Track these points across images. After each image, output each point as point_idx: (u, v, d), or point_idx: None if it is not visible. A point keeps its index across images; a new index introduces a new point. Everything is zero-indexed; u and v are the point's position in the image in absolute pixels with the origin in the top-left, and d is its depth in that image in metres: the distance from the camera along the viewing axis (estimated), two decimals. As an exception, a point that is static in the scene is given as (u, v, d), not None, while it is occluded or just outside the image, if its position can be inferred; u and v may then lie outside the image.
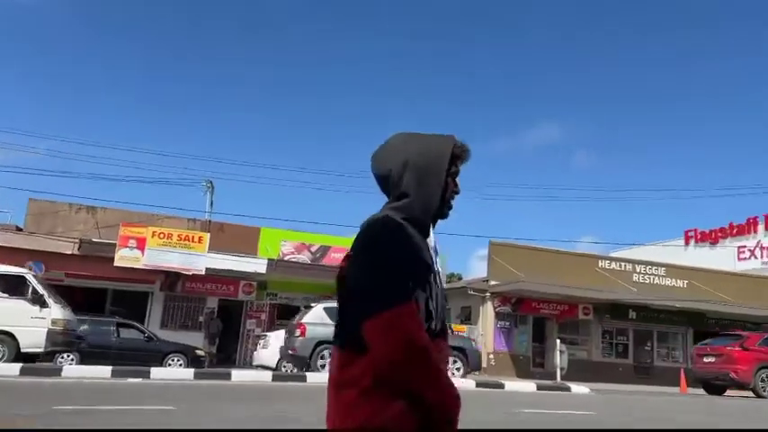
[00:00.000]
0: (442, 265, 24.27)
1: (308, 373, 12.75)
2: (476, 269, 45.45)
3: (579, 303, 22.76)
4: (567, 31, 74.13)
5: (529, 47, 74.20)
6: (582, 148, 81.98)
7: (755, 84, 66.77)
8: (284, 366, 14.89)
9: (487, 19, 77.31)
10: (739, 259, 29.67)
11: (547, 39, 74.16)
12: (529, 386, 14.63)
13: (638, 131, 73.16)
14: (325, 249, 21.89)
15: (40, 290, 11.97)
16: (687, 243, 33.03)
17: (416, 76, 77.73)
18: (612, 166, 74.92)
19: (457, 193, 1.60)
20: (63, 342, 12.28)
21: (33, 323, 11.64)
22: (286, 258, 21.10)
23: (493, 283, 22.16)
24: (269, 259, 19.93)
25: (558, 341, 17.27)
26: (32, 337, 11.62)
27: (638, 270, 24.96)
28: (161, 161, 77.33)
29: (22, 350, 11.60)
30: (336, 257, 21.54)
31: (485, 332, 21.93)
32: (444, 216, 1.60)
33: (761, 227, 29.64)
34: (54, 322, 11.82)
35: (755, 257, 28.99)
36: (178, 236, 18.95)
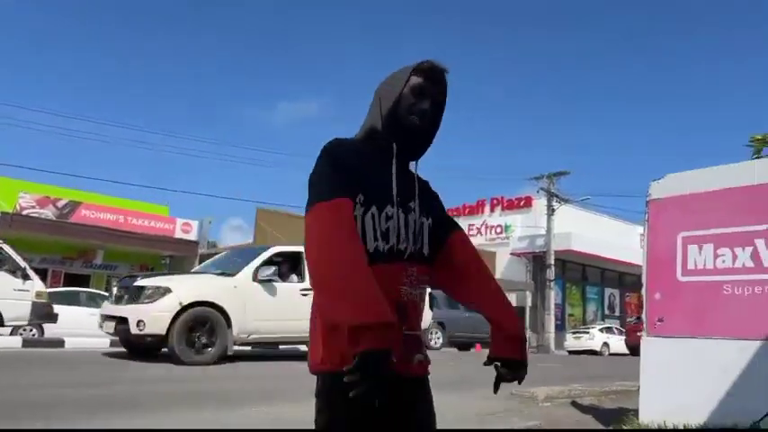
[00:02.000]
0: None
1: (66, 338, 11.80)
2: (228, 239, 44.86)
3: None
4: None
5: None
6: (339, 122, 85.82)
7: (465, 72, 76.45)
8: (21, 333, 13.22)
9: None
10: (469, 235, 34.10)
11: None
12: None
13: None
14: (74, 205, 19.77)
15: (21, 262, 11.42)
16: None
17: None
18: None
19: (421, 108, 1.56)
20: (46, 314, 12.02)
21: (17, 296, 11.24)
22: (25, 213, 18.57)
23: (258, 249, 22.26)
24: (2, 213, 17.38)
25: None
26: (17, 309, 11.26)
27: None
28: None
29: (6, 323, 11.28)
30: (88, 215, 19.60)
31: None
32: (412, 131, 1.56)
33: (487, 207, 34.42)
34: (38, 295, 11.62)
35: (481, 234, 33.54)
36: None
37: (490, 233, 33.49)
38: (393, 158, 1.57)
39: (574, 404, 6.41)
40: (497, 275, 30.98)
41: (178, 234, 21.32)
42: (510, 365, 1.62)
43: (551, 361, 16.74)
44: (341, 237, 1.37)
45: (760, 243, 4.51)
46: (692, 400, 4.58)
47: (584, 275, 34.95)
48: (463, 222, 34.82)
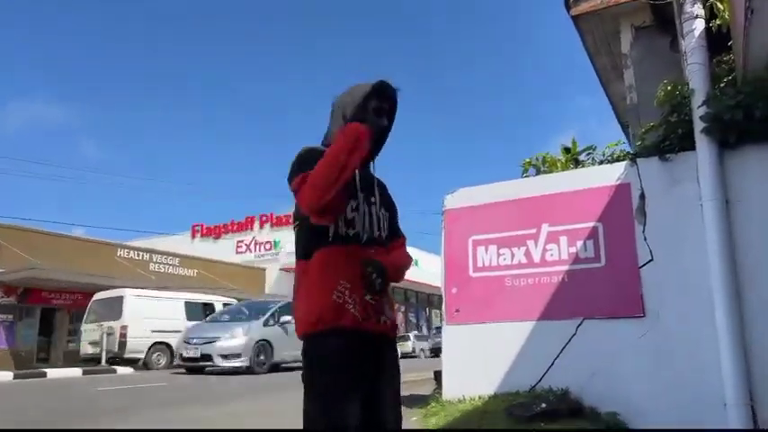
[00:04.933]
0: None
1: None
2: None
3: (96, 292, 22.05)
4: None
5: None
6: (87, 133, 78.14)
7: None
8: None
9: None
10: (237, 252, 33.82)
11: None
12: (75, 371, 14.13)
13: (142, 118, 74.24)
14: None
15: None
16: (194, 236, 35.62)
17: None
18: (120, 154, 73.84)
19: (381, 127, 1.94)
20: None
21: None
22: None
23: (-2, 270, 19.41)
24: None
25: (105, 324, 16.74)
26: None
27: (154, 259, 25.80)
28: None
29: None
30: None
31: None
32: (378, 140, 1.96)
33: (257, 224, 34.52)
34: None
35: (251, 251, 33.49)
36: None
37: (260, 249, 33.61)
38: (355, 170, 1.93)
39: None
40: (267, 290, 31.29)
41: None
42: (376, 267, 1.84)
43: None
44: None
45: (530, 243, 5.65)
46: (484, 376, 5.51)
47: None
48: (232, 239, 34.48)
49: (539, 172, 5.99)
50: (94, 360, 16.62)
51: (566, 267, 5.43)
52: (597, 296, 5.22)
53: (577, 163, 6.00)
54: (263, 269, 31.63)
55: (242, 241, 34.07)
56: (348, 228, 1.87)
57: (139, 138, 75.94)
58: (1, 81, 63.44)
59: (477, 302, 5.78)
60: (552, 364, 5.23)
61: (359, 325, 1.80)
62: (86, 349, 17.16)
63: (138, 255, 25.25)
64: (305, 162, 1.84)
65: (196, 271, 27.28)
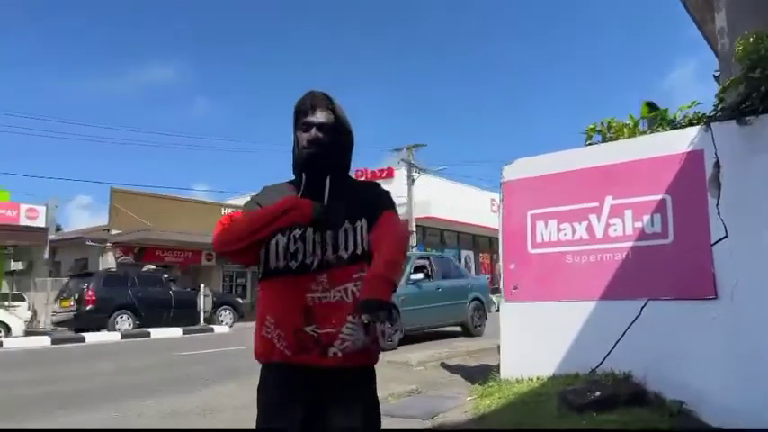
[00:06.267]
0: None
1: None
2: (77, 220, 41.75)
3: (203, 250, 23.51)
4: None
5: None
6: (198, 92, 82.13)
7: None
8: None
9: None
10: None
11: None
12: (175, 331, 14.98)
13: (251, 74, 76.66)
14: None
15: None
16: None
17: None
18: (228, 111, 76.94)
19: (312, 140, 1.84)
20: None
21: None
22: None
23: (115, 232, 21.15)
24: None
25: (203, 285, 17.88)
26: None
27: (254, 217, 27.04)
28: None
29: None
30: None
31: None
32: (312, 162, 1.85)
33: (351, 180, 35.09)
34: None
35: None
36: None
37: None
38: (301, 189, 1.88)
39: (444, 365, 7.09)
40: (363, 245, 31.88)
41: (23, 221, 19.54)
42: (368, 307, 1.61)
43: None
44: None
45: (593, 218, 5.30)
46: (543, 356, 5.32)
47: (442, 239, 36.90)
48: (328, 194, 35.29)
49: (604, 139, 5.54)
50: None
51: (630, 244, 5.05)
52: (664, 275, 4.83)
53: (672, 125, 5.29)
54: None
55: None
56: (289, 259, 1.80)
57: (240, 96, 78.72)
58: (119, 47, 67.49)
59: (535, 280, 5.55)
60: (614, 347, 4.95)
61: (288, 360, 1.75)
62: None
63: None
64: (248, 203, 1.92)
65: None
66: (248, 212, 1.86)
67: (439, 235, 36.47)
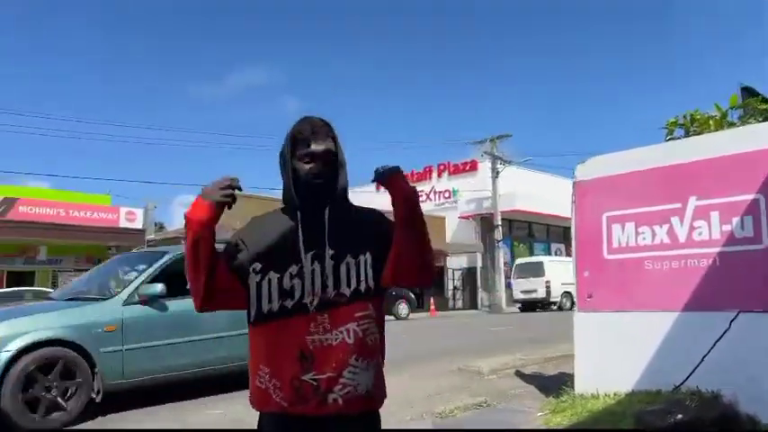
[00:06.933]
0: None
1: None
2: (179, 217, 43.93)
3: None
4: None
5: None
6: (288, 92, 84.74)
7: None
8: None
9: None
10: (418, 202, 34.53)
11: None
12: None
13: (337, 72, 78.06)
14: (10, 202, 19.02)
15: None
16: (378, 189, 36.78)
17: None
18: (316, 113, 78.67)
19: (317, 173, 1.69)
20: None
21: None
22: (-43, 214, 17.86)
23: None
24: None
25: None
26: None
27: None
28: None
29: None
30: (26, 211, 18.95)
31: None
32: (315, 195, 1.70)
33: (434, 174, 34.83)
34: None
35: (430, 200, 33.99)
36: None
37: (439, 198, 33.93)
38: (298, 221, 1.71)
39: (518, 374, 6.79)
40: (447, 239, 31.62)
41: (123, 223, 20.84)
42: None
43: (502, 323, 17.35)
44: None
45: (675, 220, 4.85)
46: (620, 370, 4.94)
47: (530, 233, 35.93)
48: (411, 189, 35.21)
49: (687, 134, 5.05)
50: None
51: (717, 249, 4.58)
52: (757, 284, 4.34)
53: None
54: (443, 218, 31.93)
55: (421, 191, 34.60)
56: (285, 299, 1.65)
57: (328, 92, 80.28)
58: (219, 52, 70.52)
59: (612, 288, 5.16)
60: (700, 363, 4.51)
61: (285, 410, 1.63)
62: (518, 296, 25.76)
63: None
64: (232, 237, 1.79)
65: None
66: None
67: (527, 228, 35.56)
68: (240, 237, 1.75)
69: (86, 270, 21.00)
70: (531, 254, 35.97)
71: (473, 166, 33.28)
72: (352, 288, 1.68)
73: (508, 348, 8.93)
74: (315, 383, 1.61)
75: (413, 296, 23.22)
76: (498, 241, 30.44)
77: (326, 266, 1.67)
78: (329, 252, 1.69)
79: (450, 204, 33.24)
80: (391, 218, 1.73)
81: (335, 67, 77.10)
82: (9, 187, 19.54)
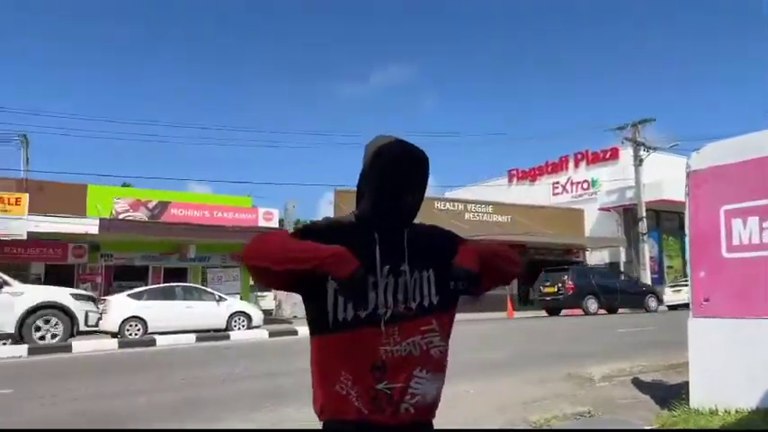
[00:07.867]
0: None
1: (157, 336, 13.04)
2: (326, 214, 46.00)
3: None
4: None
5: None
6: (430, 90, 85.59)
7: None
8: (127, 330, 14.42)
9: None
10: (553, 194, 33.15)
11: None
12: None
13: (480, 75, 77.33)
14: (163, 205, 20.98)
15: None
16: (510, 181, 36.07)
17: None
18: (453, 108, 78.70)
19: (406, 214, 1.74)
20: None
21: None
22: (120, 217, 19.96)
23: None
24: (101, 219, 18.74)
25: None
26: None
27: (468, 209, 27.06)
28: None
29: None
30: (177, 214, 20.79)
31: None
32: (405, 216, 1.74)
33: (571, 164, 33.23)
34: None
35: (567, 191, 32.51)
36: (-10, 198, 17.15)
37: (576, 189, 32.35)
38: (376, 241, 1.72)
39: (634, 382, 6.23)
40: (586, 233, 30.07)
41: (261, 223, 22.14)
42: (459, 275, 1.68)
43: (642, 323, 16.11)
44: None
45: (808, 213, 4.17)
46: (742, 384, 4.36)
47: (681, 225, 33.07)
48: (546, 181, 33.90)
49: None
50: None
51: None
52: None
53: None
54: (581, 210, 30.39)
55: (557, 182, 33.24)
56: (359, 310, 1.68)
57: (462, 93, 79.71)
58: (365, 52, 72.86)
59: (732, 291, 4.54)
60: (840, 380, 3.84)
61: (365, 418, 1.67)
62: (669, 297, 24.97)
63: (454, 206, 26.85)
64: (303, 230, 1.73)
65: (510, 217, 27.70)
66: (293, 240, 1.67)
67: (677, 220, 32.76)
68: (312, 228, 1.75)
69: (233, 267, 22.93)
70: (682, 247, 33.15)
71: (614, 154, 31.33)
72: (416, 302, 1.74)
73: (632, 353, 8.23)
74: (389, 392, 1.66)
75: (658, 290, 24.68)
76: (643, 234, 28.42)
77: (399, 281, 1.73)
78: (404, 267, 1.74)
79: (588, 195, 31.55)
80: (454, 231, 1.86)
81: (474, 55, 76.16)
82: (162, 191, 21.56)
